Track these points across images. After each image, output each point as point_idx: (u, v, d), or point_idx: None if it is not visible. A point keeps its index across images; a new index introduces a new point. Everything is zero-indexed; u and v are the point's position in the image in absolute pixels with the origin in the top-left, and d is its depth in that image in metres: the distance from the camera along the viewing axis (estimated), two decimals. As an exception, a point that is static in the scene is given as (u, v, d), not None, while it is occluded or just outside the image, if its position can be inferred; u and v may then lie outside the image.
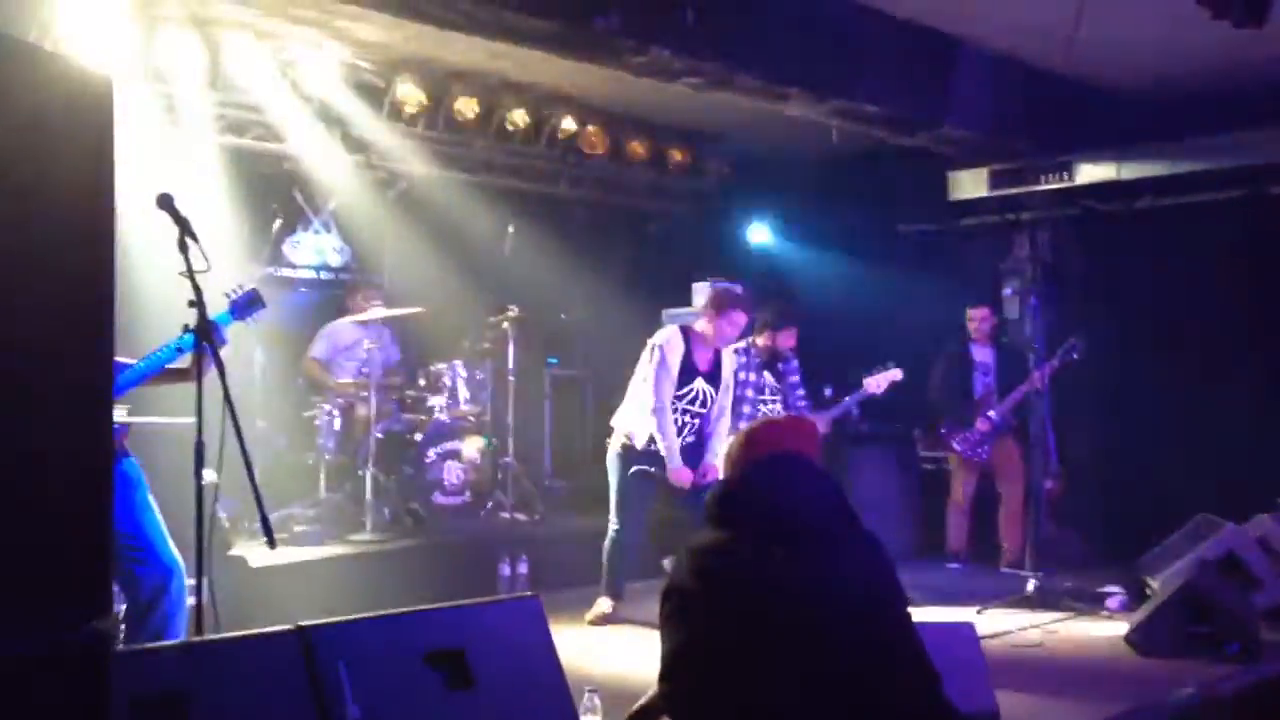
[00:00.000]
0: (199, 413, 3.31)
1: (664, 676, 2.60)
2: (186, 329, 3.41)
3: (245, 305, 4.09)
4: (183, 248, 3.33)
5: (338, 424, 7.03)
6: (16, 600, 1.57)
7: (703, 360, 6.07)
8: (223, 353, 6.59)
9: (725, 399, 6.21)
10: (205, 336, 3.33)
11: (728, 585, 2.55)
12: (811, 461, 2.78)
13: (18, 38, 1.66)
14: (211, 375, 3.40)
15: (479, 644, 3.24)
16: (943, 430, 7.84)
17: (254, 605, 5.35)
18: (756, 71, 6.68)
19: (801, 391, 6.90)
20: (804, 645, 2.46)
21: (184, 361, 3.66)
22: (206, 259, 3.36)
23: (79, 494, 1.71)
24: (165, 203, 3.41)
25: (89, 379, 1.73)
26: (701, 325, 6.08)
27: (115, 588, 3.69)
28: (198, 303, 3.34)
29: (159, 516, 3.71)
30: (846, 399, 6.84)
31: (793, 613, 2.49)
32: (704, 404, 6.10)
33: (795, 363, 6.92)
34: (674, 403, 6.02)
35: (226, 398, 3.25)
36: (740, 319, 6.06)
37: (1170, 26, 6.80)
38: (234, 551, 5.83)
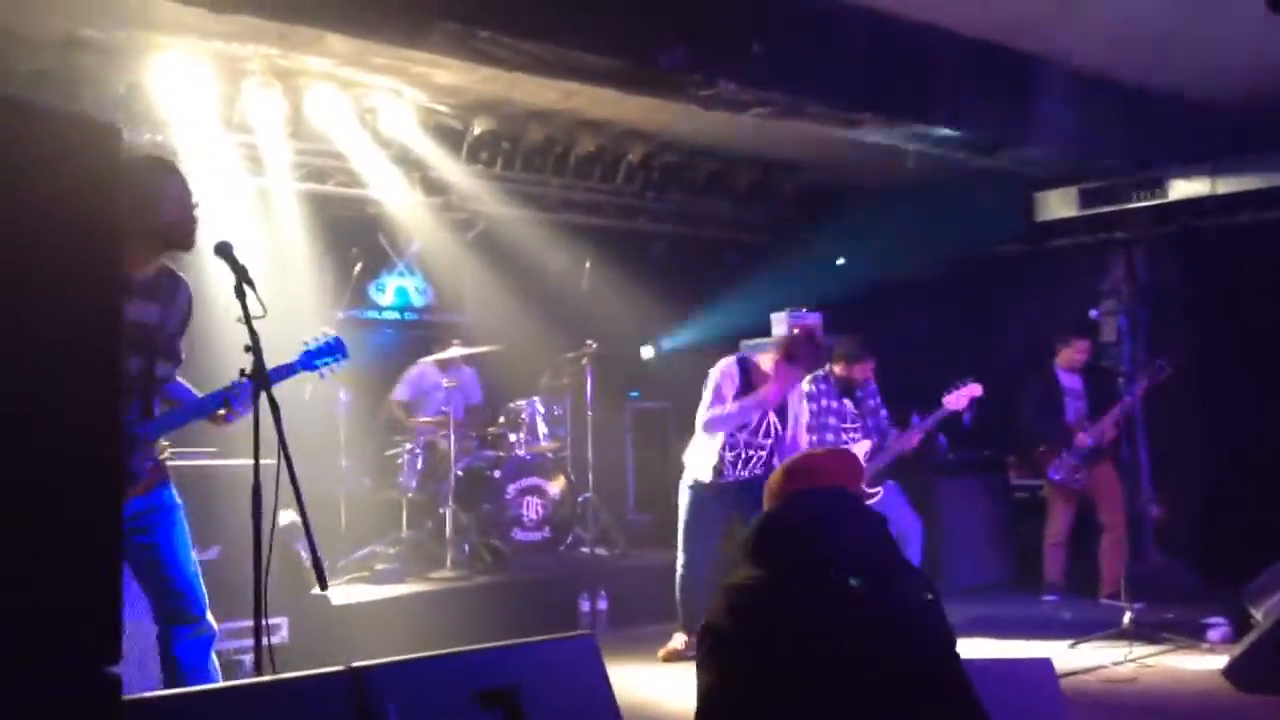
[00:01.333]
0: (255, 455, 3.36)
1: (698, 716, 2.55)
2: (243, 373, 3.46)
3: (320, 354, 4.03)
4: (240, 294, 3.40)
5: (420, 462, 7.13)
6: (14, 642, 1.59)
7: None
8: (306, 393, 6.82)
9: (796, 430, 6.15)
10: (261, 383, 3.38)
11: (763, 626, 2.48)
12: (853, 496, 2.71)
13: (14, 95, 1.71)
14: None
15: (532, 683, 3.20)
16: (1038, 459, 7.58)
17: (336, 644, 5.42)
18: (826, 99, 6.64)
19: (884, 413, 6.83)
20: (842, 690, 2.39)
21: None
22: (263, 305, 3.42)
23: (86, 522, 1.73)
24: (223, 250, 3.48)
25: (91, 415, 1.76)
26: (766, 360, 6.02)
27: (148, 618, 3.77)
28: (254, 348, 3.40)
29: (190, 545, 3.75)
30: (927, 417, 6.69)
31: (830, 656, 2.41)
32: (769, 435, 6.04)
33: (874, 386, 6.85)
34: (739, 434, 5.98)
35: (281, 441, 3.29)
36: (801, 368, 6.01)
37: (1260, 38, 6.58)
38: (316, 591, 5.90)
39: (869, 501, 6.49)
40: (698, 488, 6.07)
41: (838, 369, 6.65)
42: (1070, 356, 7.68)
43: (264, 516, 3.47)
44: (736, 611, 2.53)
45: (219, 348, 4.61)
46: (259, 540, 3.34)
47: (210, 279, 4.49)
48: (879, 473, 6.64)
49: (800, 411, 6.21)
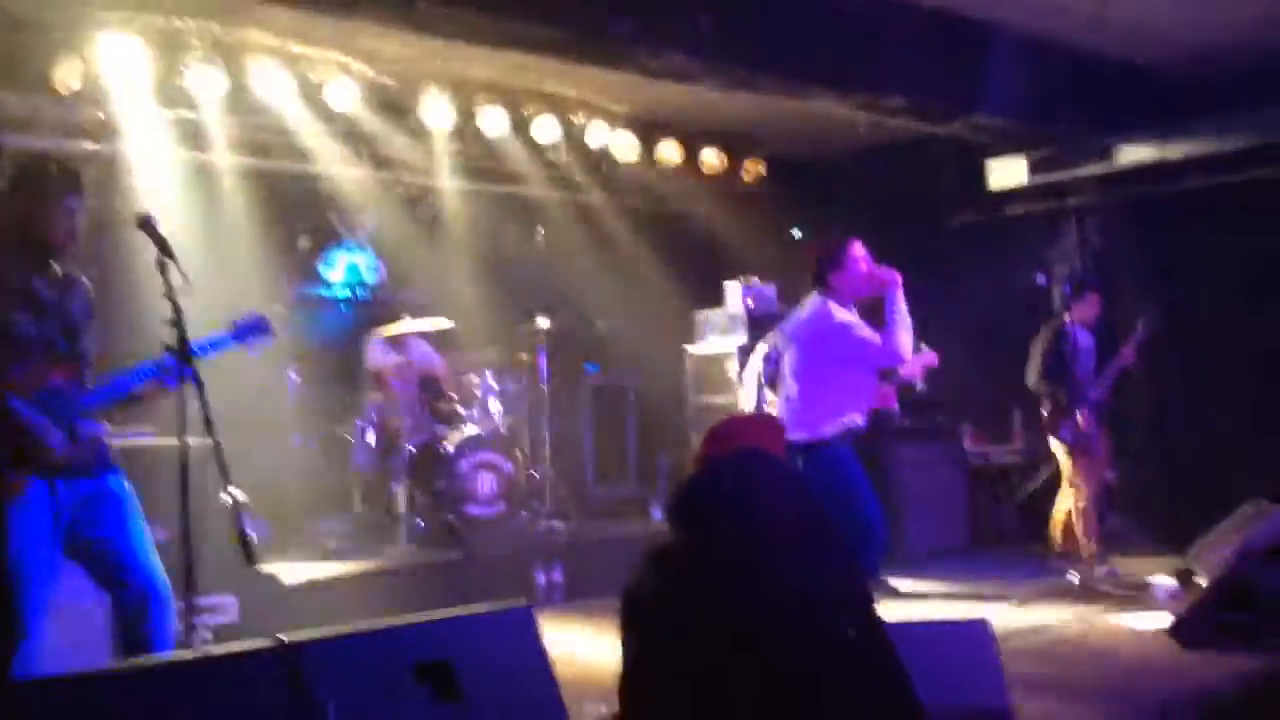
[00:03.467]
0: (181, 432, 3.33)
1: (620, 687, 2.55)
2: (167, 348, 3.42)
3: (248, 331, 3.98)
4: (161, 268, 3.36)
5: (371, 439, 7.09)
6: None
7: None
8: (254, 371, 6.76)
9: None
10: (183, 357, 3.35)
11: (683, 590, 2.49)
12: (775, 458, 2.72)
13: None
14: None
15: (469, 656, 3.20)
16: (1048, 421, 7.35)
17: (286, 623, 5.38)
18: (776, 70, 6.63)
19: None
20: (761, 650, 2.39)
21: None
22: (187, 278, 3.38)
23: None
24: (144, 222, 3.44)
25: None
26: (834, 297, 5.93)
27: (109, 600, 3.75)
28: (177, 323, 3.36)
29: (146, 535, 3.73)
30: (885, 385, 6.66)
31: (748, 618, 2.41)
32: None
33: None
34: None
35: (207, 419, 3.26)
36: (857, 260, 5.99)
37: (1203, 3, 6.62)
38: (266, 569, 5.87)
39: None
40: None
41: None
42: (1084, 311, 7.37)
43: (200, 494, 3.45)
44: (659, 576, 2.54)
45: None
46: (187, 518, 3.31)
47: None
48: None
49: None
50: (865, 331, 5.84)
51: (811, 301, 5.99)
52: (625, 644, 2.57)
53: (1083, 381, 7.26)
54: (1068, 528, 7.38)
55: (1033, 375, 7.41)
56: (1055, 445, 7.36)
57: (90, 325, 3.78)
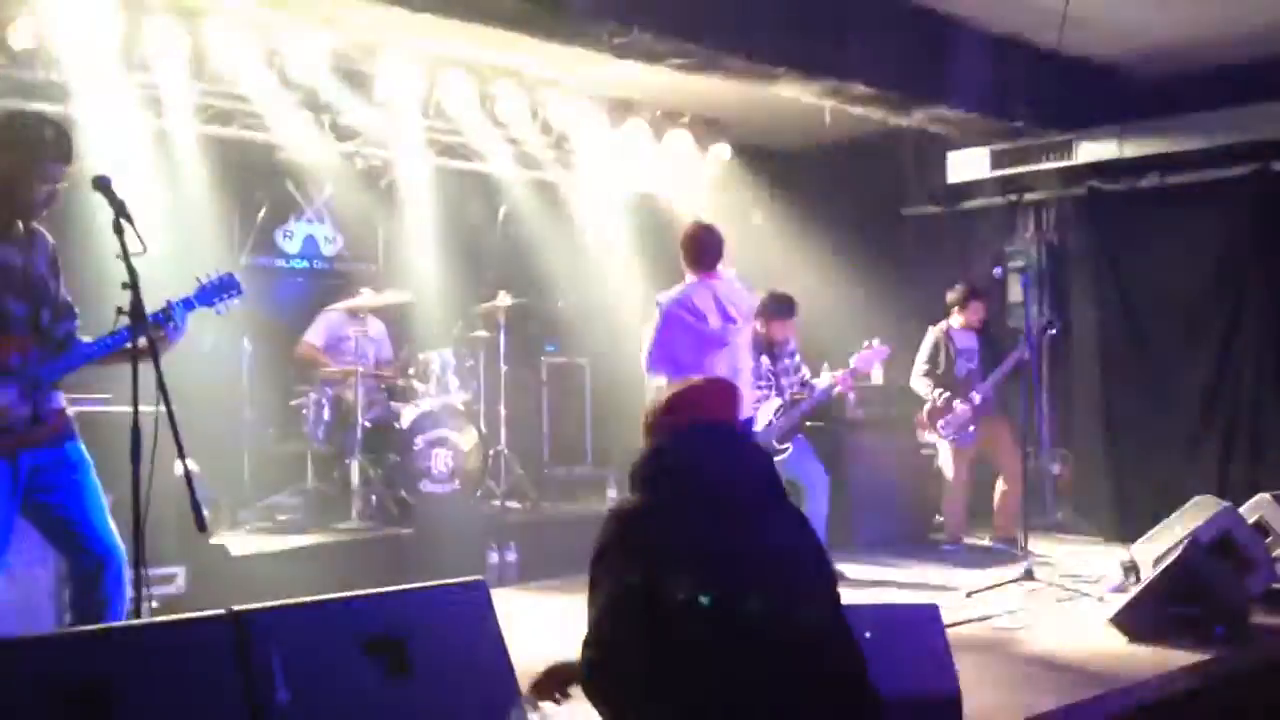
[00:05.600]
0: (135, 399, 3.27)
1: (585, 643, 2.55)
2: (120, 311, 3.37)
3: (215, 290, 3.95)
4: (118, 230, 3.30)
5: (326, 413, 7.03)
6: None
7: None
8: (209, 341, 6.68)
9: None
10: (138, 320, 3.30)
11: (647, 549, 2.49)
12: (735, 430, 2.72)
13: None
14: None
15: (420, 631, 3.18)
16: (926, 416, 7.73)
17: (234, 595, 5.32)
18: (743, 52, 6.62)
19: (803, 371, 6.92)
20: (723, 614, 2.40)
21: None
22: (143, 242, 3.32)
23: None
24: (101, 184, 3.39)
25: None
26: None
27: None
28: (132, 286, 3.30)
29: (102, 501, 3.69)
30: (840, 375, 6.74)
31: (711, 579, 2.42)
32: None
33: (792, 346, 6.97)
34: None
35: (160, 383, 3.21)
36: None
37: (1165, 3, 6.69)
38: (215, 540, 5.81)
39: (778, 458, 6.56)
40: None
41: (758, 325, 6.66)
42: (966, 317, 7.82)
43: (147, 461, 3.40)
44: (623, 537, 2.55)
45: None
46: (137, 486, 3.26)
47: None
48: (787, 430, 6.71)
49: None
50: None
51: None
52: (590, 602, 2.57)
53: (961, 381, 7.63)
54: (1003, 512, 7.59)
55: (914, 375, 7.82)
56: (933, 439, 7.80)
57: (58, 282, 3.73)
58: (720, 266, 5.95)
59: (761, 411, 6.68)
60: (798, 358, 6.98)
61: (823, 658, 2.49)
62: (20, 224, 3.62)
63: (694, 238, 5.94)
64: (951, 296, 7.89)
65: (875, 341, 6.73)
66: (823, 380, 6.83)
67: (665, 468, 2.64)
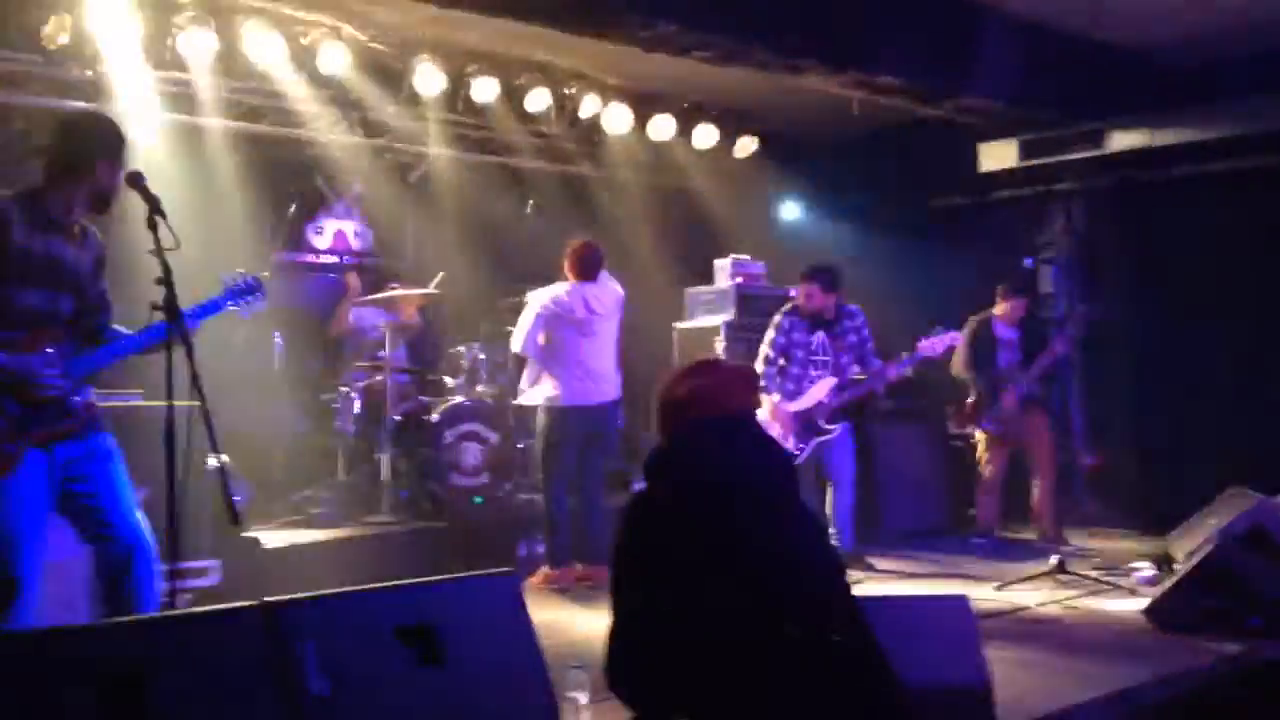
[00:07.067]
0: (169, 393, 3.31)
1: (608, 635, 2.57)
2: (154, 306, 3.41)
3: (242, 293, 4.00)
4: (151, 225, 3.35)
5: (356, 407, 7.08)
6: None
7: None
8: (241, 336, 6.74)
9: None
10: (171, 315, 3.34)
11: (658, 544, 2.50)
12: (750, 423, 2.71)
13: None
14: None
15: (452, 620, 3.21)
16: (969, 407, 7.66)
17: (268, 588, 5.37)
18: (769, 43, 6.60)
19: (870, 345, 6.76)
20: (734, 609, 2.40)
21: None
22: (176, 238, 3.37)
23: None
24: (134, 180, 3.44)
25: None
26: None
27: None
28: (165, 282, 3.34)
29: (131, 493, 3.73)
30: (904, 359, 6.65)
31: (722, 574, 2.43)
32: None
33: (862, 319, 6.78)
34: None
35: (194, 378, 3.25)
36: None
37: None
38: (248, 534, 5.87)
39: (825, 438, 6.54)
40: None
41: (800, 300, 6.69)
42: (1008, 310, 7.70)
43: (185, 457, 3.43)
44: (635, 529, 2.56)
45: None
46: (172, 481, 3.30)
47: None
48: (836, 411, 6.64)
49: None
50: None
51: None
52: (612, 596, 2.59)
53: (1004, 373, 7.50)
54: (1042, 510, 7.53)
55: (955, 364, 7.66)
56: (971, 430, 7.69)
57: (100, 278, 3.79)
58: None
59: (815, 389, 6.63)
60: (866, 335, 6.77)
61: (832, 653, 2.47)
62: (75, 221, 3.67)
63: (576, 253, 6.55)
64: (1000, 288, 7.75)
65: (941, 328, 6.63)
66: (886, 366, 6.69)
67: (676, 462, 2.64)
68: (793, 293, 6.95)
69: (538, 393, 6.42)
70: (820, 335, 6.70)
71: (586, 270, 6.50)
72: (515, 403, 6.89)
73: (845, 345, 6.71)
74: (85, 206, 3.65)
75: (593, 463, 6.46)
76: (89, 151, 3.60)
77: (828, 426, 6.56)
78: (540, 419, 6.45)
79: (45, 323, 3.55)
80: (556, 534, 6.34)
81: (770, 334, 6.76)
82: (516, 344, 6.55)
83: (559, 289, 6.49)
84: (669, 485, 2.60)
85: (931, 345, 6.58)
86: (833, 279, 6.72)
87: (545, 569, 6.35)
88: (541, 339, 6.41)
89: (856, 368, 6.74)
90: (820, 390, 6.60)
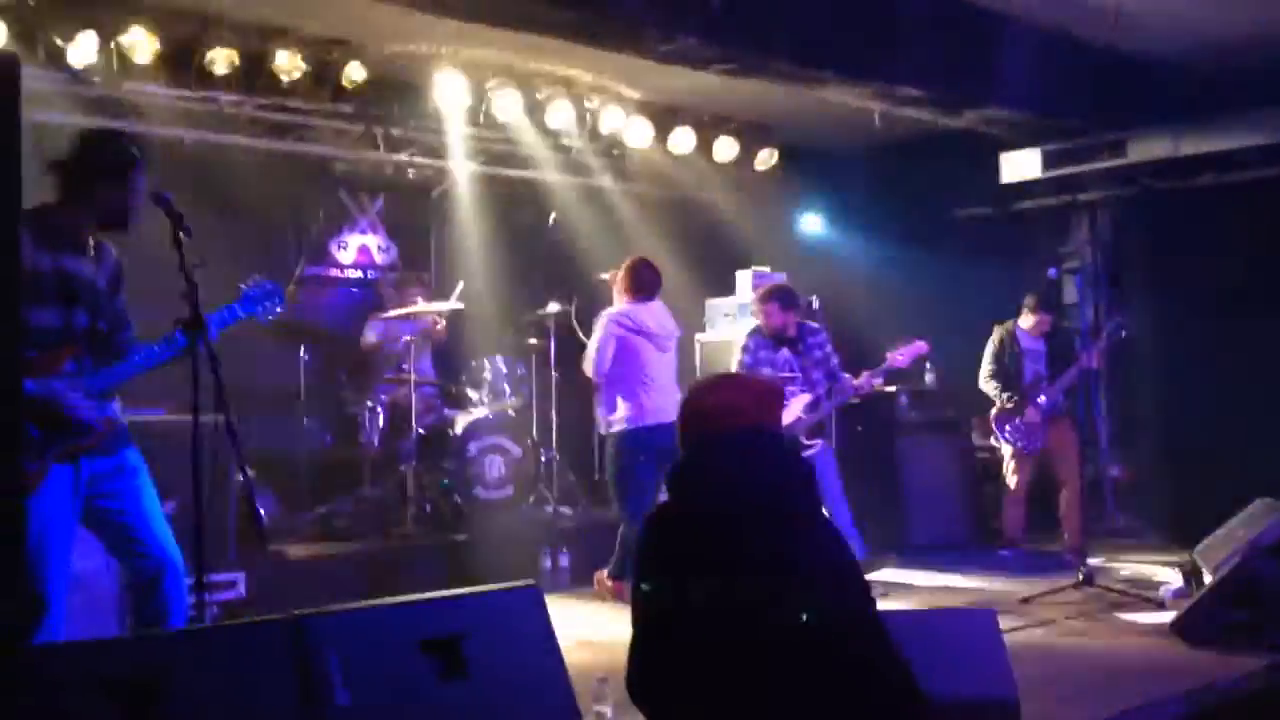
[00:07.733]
0: (195, 407, 3.34)
1: (630, 647, 2.57)
2: (178, 323, 3.44)
3: (258, 298, 4.00)
4: (176, 243, 3.38)
5: (381, 420, 7.11)
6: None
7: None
8: (264, 350, 6.78)
9: None
10: (195, 330, 3.36)
11: (679, 556, 2.50)
12: (771, 436, 2.71)
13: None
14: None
15: (476, 632, 3.22)
16: (993, 420, 7.63)
17: (294, 600, 5.41)
18: (790, 56, 6.61)
19: (835, 360, 6.76)
20: (753, 622, 2.40)
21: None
22: (201, 256, 3.40)
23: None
24: (160, 199, 3.47)
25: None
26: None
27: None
28: (190, 297, 3.38)
29: (159, 507, 3.75)
30: (874, 372, 6.66)
31: (740, 587, 2.42)
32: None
33: (823, 335, 6.82)
34: None
35: (219, 391, 3.27)
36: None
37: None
38: (274, 547, 5.90)
39: (805, 454, 6.52)
40: None
41: (761, 320, 6.74)
42: (1034, 324, 7.64)
43: (210, 470, 3.46)
44: (656, 542, 2.56)
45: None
46: (199, 494, 3.32)
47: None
48: (813, 427, 6.65)
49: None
50: None
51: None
52: (633, 605, 2.59)
53: (1028, 384, 7.47)
54: (1070, 523, 7.46)
55: (982, 377, 7.66)
56: (996, 443, 7.65)
57: (118, 294, 3.80)
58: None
59: (790, 406, 6.63)
60: (830, 349, 6.80)
61: (853, 667, 2.46)
62: (90, 239, 3.70)
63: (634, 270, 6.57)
64: (1027, 300, 7.71)
65: (913, 338, 6.65)
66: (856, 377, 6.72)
67: (697, 474, 2.64)
68: (815, 303, 6.98)
69: (618, 418, 6.35)
70: (785, 353, 6.75)
71: (645, 288, 6.51)
72: (602, 433, 6.76)
73: (812, 361, 6.75)
74: (94, 225, 3.67)
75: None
76: (91, 171, 3.62)
77: (808, 443, 6.57)
78: (614, 441, 6.37)
79: (60, 341, 3.56)
80: (631, 551, 6.31)
81: (739, 355, 6.82)
82: (589, 367, 6.45)
83: (626, 308, 6.46)
84: (688, 499, 2.61)
85: (899, 357, 6.62)
86: (788, 297, 6.80)
87: (608, 576, 6.34)
88: (609, 357, 6.35)
89: (826, 382, 6.76)
90: (796, 407, 6.62)
